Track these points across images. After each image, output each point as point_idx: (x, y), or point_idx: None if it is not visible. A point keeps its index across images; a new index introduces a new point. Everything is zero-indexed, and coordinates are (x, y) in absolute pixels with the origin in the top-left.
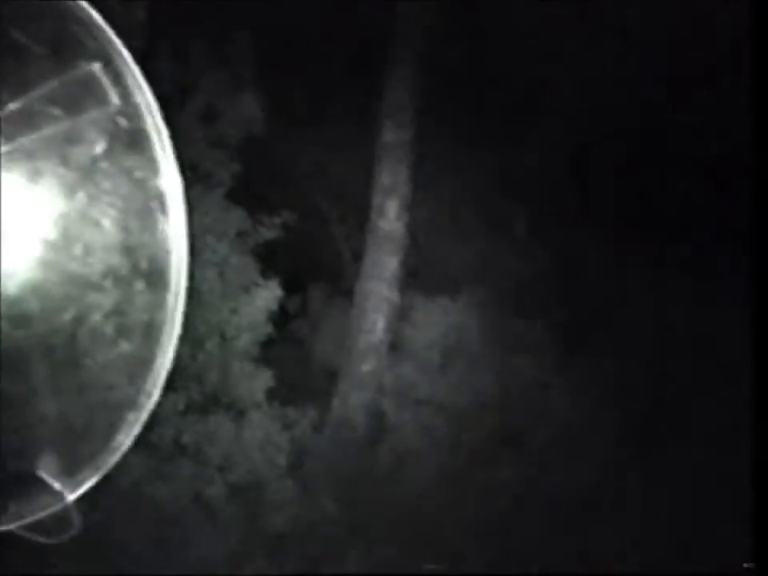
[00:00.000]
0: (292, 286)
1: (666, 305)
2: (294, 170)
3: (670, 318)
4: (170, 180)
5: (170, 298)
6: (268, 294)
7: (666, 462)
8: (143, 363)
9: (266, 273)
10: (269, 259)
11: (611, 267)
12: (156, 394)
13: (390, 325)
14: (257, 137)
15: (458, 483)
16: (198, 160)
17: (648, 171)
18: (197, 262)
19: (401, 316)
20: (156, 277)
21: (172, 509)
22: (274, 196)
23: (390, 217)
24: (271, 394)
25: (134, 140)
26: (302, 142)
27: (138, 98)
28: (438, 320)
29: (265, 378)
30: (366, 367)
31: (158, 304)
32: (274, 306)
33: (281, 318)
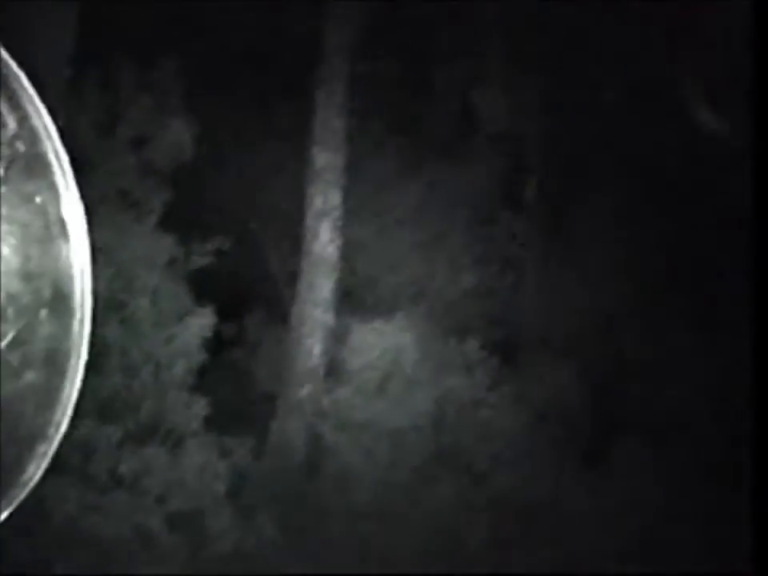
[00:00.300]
0: (227, 312)
1: (603, 318)
2: (225, 196)
3: (609, 330)
4: (71, 205)
5: (75, 325)
6: (202, 321)
7: (608, 474)
8: (50, 393)
9: (199, 300)
10: (202, 286)
11: (546, 283)
12: (65, 425)
13: (327, 348)
14: (187, 163)
15: (400, 504)
16: (128, 188)
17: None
18: (129, 291)
19: (337, 339)
20: (60, 304)
21: (111, 542)
22: (206, 222)
23: (323, 240)
24: (208, 422)
25: (33, 165)
26: (233, 167)
27: (36, 122)
28: (374, 342)
29: (201, 406)
30: (304, 392)
31: (63, 331)
32: (209, 333)
33: (216, 344)
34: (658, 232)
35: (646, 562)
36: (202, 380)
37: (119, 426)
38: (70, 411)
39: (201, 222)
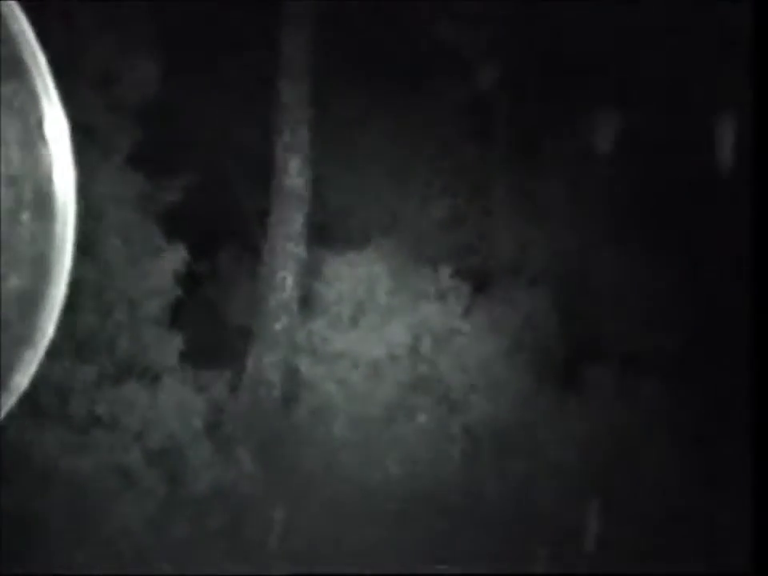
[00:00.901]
0: (199, 248)
1: (574, 244)
2: (193, 132)
3: (581, 256)
4: (49, 108)
5: (58, 228)
6: (175, 258)
7: (583, 399)
8: (35, 298)
9: (171, 237)
10: (173, 223)
11: (516, 211)
12: (50, 330)
13: (300, 281)
14: (154, 99)
15: (377, 434)
16: (95, 125)
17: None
18: (99, 229)
19: (310, 272)
20: (42, 207)
21: (90, 480)
22: (175, 159)
23: (293, 174)
24: (184, 358)
25: (11, 69)
26: (201, 103)
27: (14, 27)
28: (347, 274)
29: (176, 343)
30: (279, 325)
31: (46, 235)
32: (182, 269)
33: (189, 281)
34: (631, 158)
35: (622, 489)
36: (177, 316)
37: (95, 366)
38: (55, 317)
39: (169, 158)
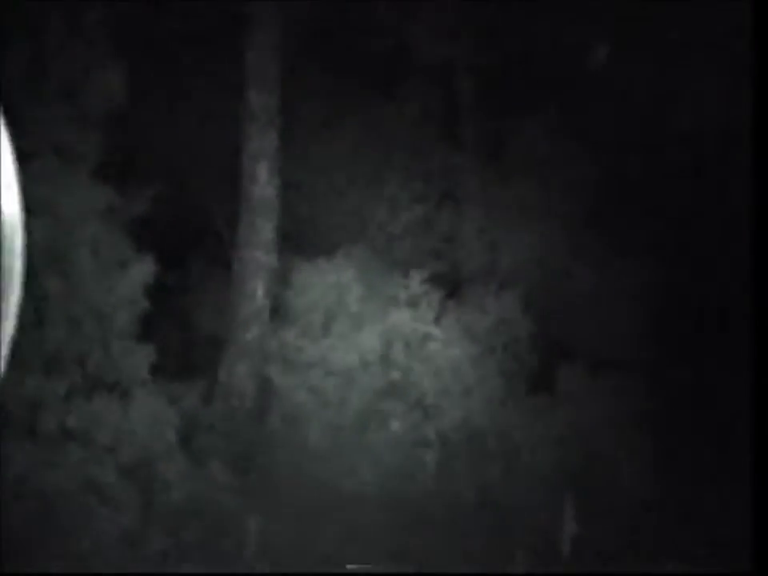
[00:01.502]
0: (168, 258)
1: (544, 248)
2: (161, 143)
3: (551, 260)
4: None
5: (5, 259)
6: (144, 269)
7: (555, 402)
8: None
9: (140, 247)
10: (142, 233)
11: (486, 216)
12: (3, 362)
13: (270, 290)
14: (119, 111)
15: (352, 441)
16: (60, 139)
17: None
18: (67, 242)
19: (280, 280)
20: None
21: (62, 496)
22: (143, 170)
23: (261, 182)
24: (155, 370)
25: None
26: (167, 112)
27: None
28: (317, 281)
29: (147, 355)
30: (250, 335)
31: None
32: (151, 280)
33: (159, 292)
34: (597, 160)
35: (594, 484)
36: (147, 328)
37: (66, 379)
38: (7, 348)
39: (137, 169)
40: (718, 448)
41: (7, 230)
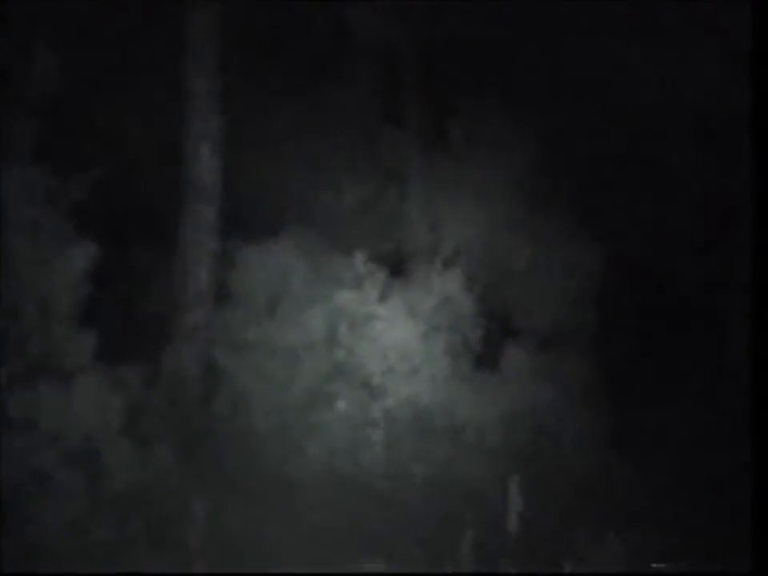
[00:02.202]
0: (110, 243)
1: (488, 227)
2: (100, 125)
3: (494, 239)
4: None
5: None
6: (85, 254)
7: (501, 380)
8: None
9: (81, 232)
10: (83, 218)
11: (430, 196)
12: None
13: (214, 273)
14: (57, 94)
15: (298, 423)
16: None
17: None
18: (5, 228)
19: (224, 263)
20: None
21: (7, 485)
22: (82, 153)
23: (203, 165)
24: (98, 356)
25: None
26: (107, 95)
27: None
28: (262, 263)
29: (90, 340)
30: (195, 318)
31: None
32: (93, 266)
33: (101, 276)
34: (541, 141)
35: (540, 459)
36: (89, 313)
37: (6, 367)
38: None
39: (77, 153)
40: (665, 420)
41: None
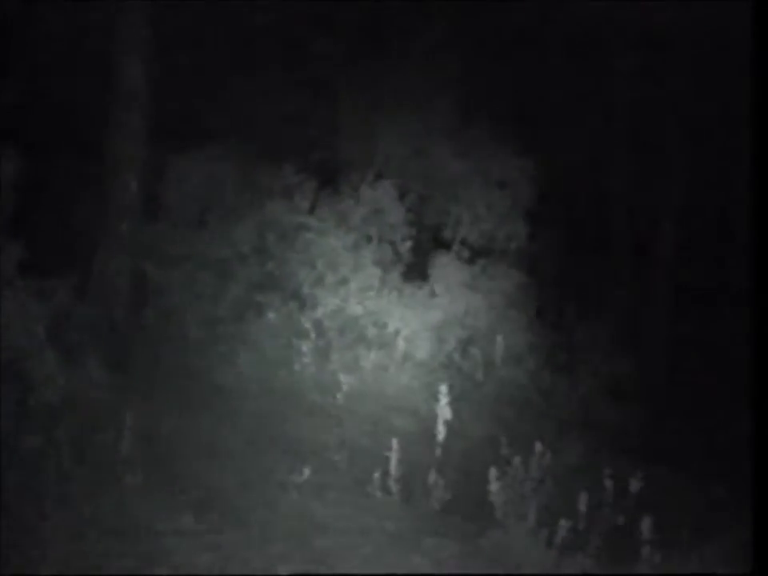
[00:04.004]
0: (36, 152)
1: (420, 136)
2: (27, 33)
3: (426, 149)
4: None
5: None
6: (8, 165)
7: (430, 291)
8: None
9: (5, 141)
10: (8, 126)
11: (362, 104)
12: None
13: (143, 183)
14: None
15: (228, 334)
16: None
17: None
18: None
19: (153, 173)
20: None
21: None
22: (7, 60)
23: (131, 73)
24: (25, 267)
25: None
26: (34, 4)
27: None
28: (191, 173)
29: (16, 251)
30: (123, 229)
31: None
32: (18, 175)
33: (27, 185)
34: (477, 51)
35: (469, 370)
36: (15, 224)
37: None
38: None
39: (1, 60)
40: (591, 324)
41: None
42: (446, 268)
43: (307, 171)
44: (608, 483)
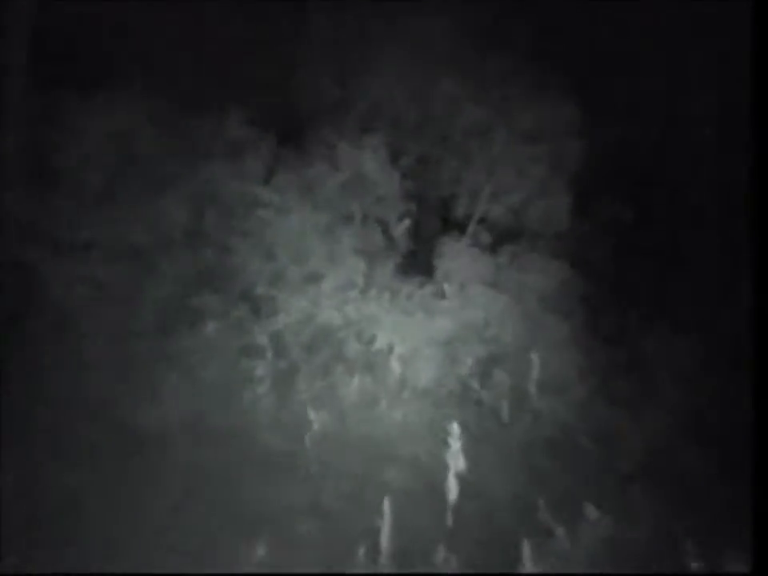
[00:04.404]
0: None
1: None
2: None
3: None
4: None
5: None
6: None
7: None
8: None
9: None
10: None
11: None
12: None
13: (34, 141)
14: None
15: (147, 353)
16: None
17: None
18: None
19: (50, 123)
20: None
21: None
22: None
23: (23, 11)
24: None
25: None
26: None
27: None
28: (95, 126)
29: None
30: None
31: None
32: None
33: None
34: None
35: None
36: None
37: None
38: None
39: None
40: (664, 339)
41: None
42: (459, 259)
43: (261, 122)
44: (694, 566)
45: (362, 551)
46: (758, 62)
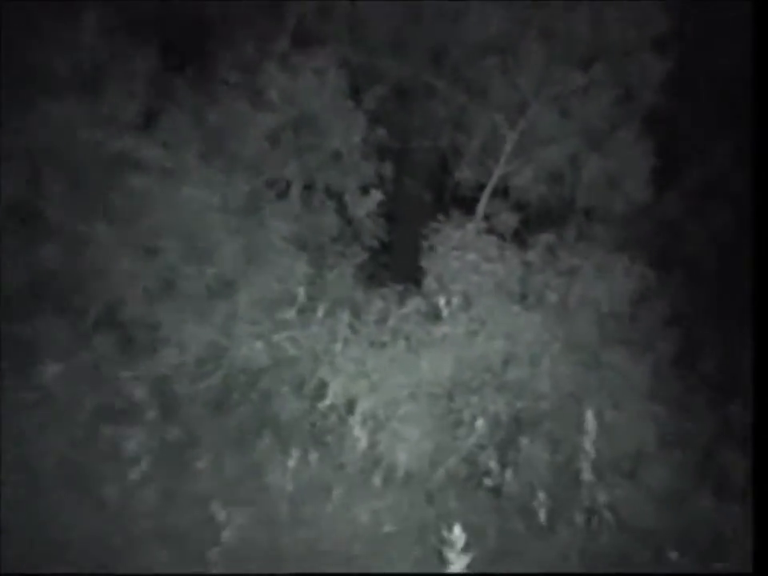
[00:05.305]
0: None
1: None
2: None
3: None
4: None
5: None
6: None
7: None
8: None
9: None
10: None
11: None
12: None
13: None
14: None
15: None
16: None
17: None
18: None
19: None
20: None
21: None
22: None
23: None
24: None
25: None
26: None
27: None
28: None
29: None
30: None
31: None
32: None
33: None
34: None
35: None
36: None
37: None
38: None
39: None
40: None
41: None
42: (462, 256)
43: (132, 29)
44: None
45: None
46: None
